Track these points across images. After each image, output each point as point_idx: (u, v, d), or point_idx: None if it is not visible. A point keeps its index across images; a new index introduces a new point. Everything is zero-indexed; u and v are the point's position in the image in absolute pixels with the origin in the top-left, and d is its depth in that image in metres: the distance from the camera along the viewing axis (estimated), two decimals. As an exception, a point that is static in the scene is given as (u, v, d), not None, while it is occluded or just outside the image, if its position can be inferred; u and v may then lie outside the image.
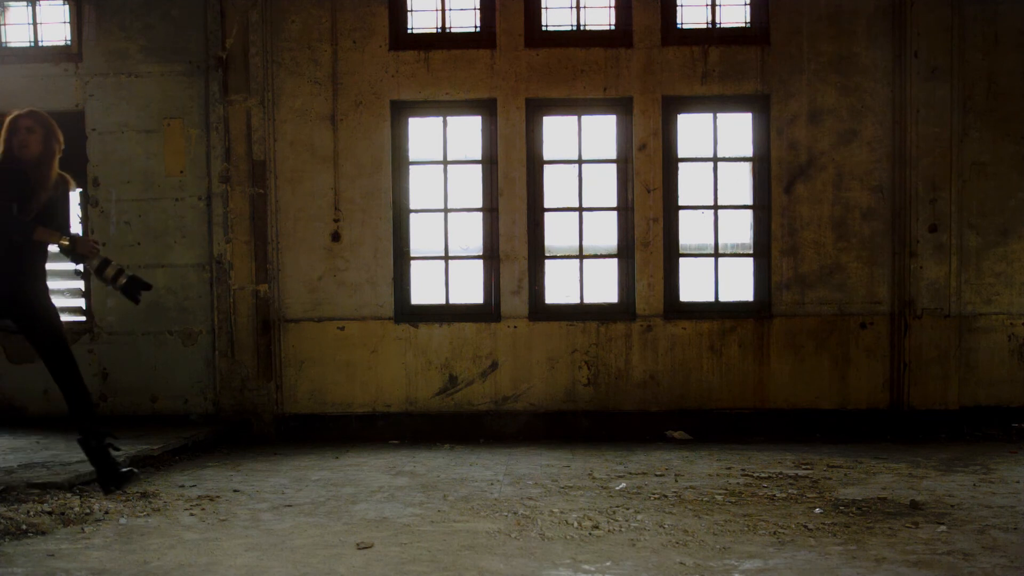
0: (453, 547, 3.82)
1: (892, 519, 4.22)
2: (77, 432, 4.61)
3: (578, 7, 6.84)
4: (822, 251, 6.73)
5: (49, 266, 6.98)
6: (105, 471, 4.60)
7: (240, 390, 6.73)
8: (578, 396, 6.75)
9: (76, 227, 7.06)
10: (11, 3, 7.06)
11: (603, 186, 6.87)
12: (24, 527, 4.13)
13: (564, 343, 6.75)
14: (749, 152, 6.85)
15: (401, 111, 6.85)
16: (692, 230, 6.87)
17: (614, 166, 6.85)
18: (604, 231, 6.87)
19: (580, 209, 6.84)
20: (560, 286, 6.90)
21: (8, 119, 4.53)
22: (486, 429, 6.73)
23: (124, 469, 4.64)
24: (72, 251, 4.56)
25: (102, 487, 4.65)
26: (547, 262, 6.88)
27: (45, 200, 4.51)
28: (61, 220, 4.63)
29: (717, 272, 6.83)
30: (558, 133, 6.89)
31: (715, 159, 6.82)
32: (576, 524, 4.17)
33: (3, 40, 7.07)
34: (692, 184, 6.85)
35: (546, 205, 6.86)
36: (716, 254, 6.84)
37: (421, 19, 6.88)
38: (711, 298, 6.83)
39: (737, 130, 6.89)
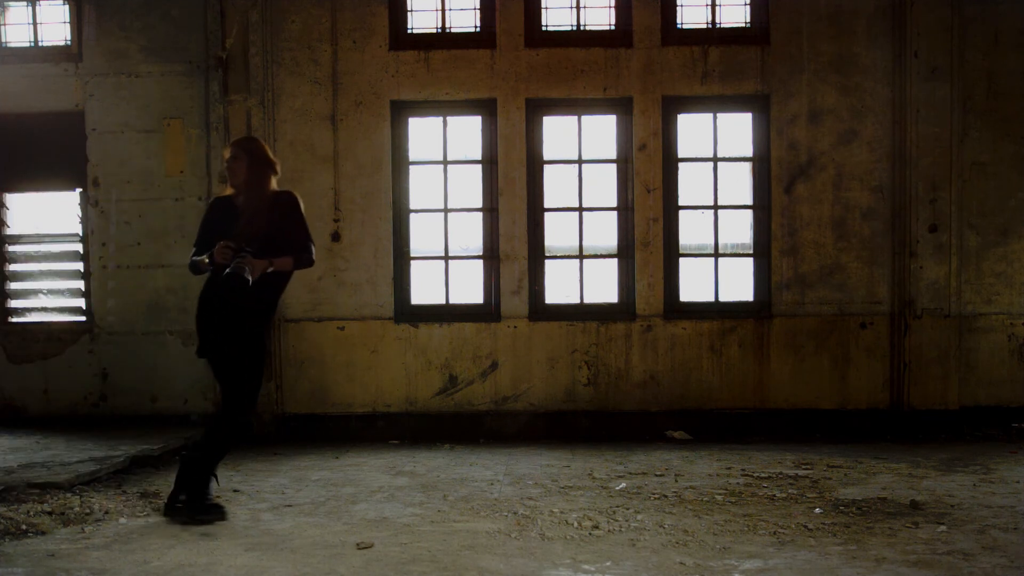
0: (453, 547, 3.82)
1: (892, 519, 4.22)
2: (189, 450, 4.46)
3: (578, 7, 6.83)
4: (822, 251, 6.73)
5: (49, 266, 7.07)
6: (193, 496, 4.35)
7: (240, 390, 6.72)
8: (578, 396, 6.75)
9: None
10: (11, 3, 7.06)
11: (603, 186, 6.87)
12: (24, 527, 4.13)
13: (564, 343, 6.75)
14: (749, 152, 6.84)
15: (401, 111, 6.85)
16: (692, 230, 6.87)
17: (614, 166, 6.85)
18: (604, 231, 6.87)
19: (580, 209, 6.84)
20: (560, 286, 6.90)
21: None
22: (486, 429, 6.73)
23: (211, 502, 4.34)
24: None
25: (170, 507, 4.42)
26: (547, 262, 6.87)
27: (262, 223, 4.38)
28: (277, 241, 4.42)
29: (717, 272, 6.83)
30: (558, 133, 6.89)
31: (715, 159, 6.82)
32: (576, 524, 4.17)
33: (3, 40, 7.07)
34: (692, 184, 6.85)
35: (546, 205, 6.86)
36: (716, 254, 6.84)
37: (421, 19, 6.88)
38: (711, 298, 6.83)
39: (737, 130, 6.89)
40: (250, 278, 4.19)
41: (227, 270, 4.19)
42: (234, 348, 4.34)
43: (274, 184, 4.58)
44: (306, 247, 4.51)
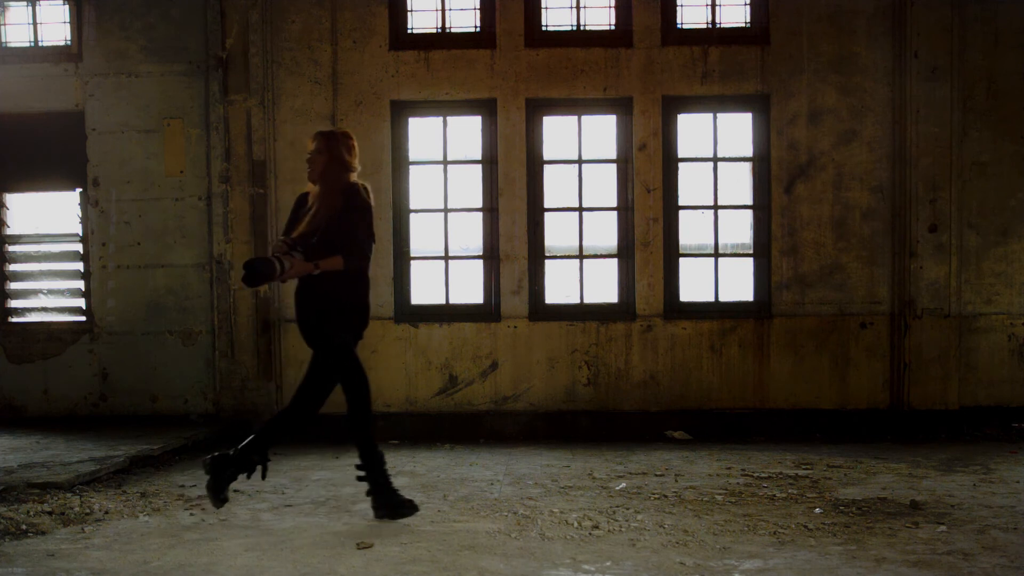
0: (453, 547, 3.82)
1: (892, 519, 4.22)
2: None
3: (578, 7, 6.83)
4: (822, 251, 6.73)
5: (49, 266, 7.06)
6: (383, 499, 4.29)
7: (240, 390, 6.73)
8: (578, 396, 6.75)
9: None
10: (11, 3, 7.06)
11: (603, 186, 6.87)
12: (24, 527, 4.13)
13: (564, 343, 6.75)
14: (749, 152, 6.84)
15: (401, 111, 6.85)
16: (692, 230, 6.87)
17: (614, 166, 6.85)
18: (604, 231, 6.87)
19: (580, 209, 6.84)
20: (560, 286, 6.90)
21: None
22: (486, 429, 6.73)
23: (405, 498, 4.29)
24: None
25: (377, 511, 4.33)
26: (547, 262, 6.87)
27: (321, 220, 4.17)
28: (334, 239, 4.18)
29: (717, 272, 6.83)
30: (558, 133, 6.89)
31: (715, 159, 6.82)
32: (576, 524, 4.17)
33: (3, 40, 7.07)
34: (692, 184, 6.84)
35: (546, 205, 6.86)
36: (716, 254, 6.84)
37: (421, 19, 6.88)
38: (711, 298, 6.83)
39: (737, 130, 6.88)
40: (280, 276, 4.04)
41: (266, 257, 4.05)
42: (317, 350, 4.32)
43: (350, 179, 4.29)
44: (355, 247, 4.16)
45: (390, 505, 4.27)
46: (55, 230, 7.09)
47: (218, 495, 4.17)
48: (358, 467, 4.32)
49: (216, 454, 4.24)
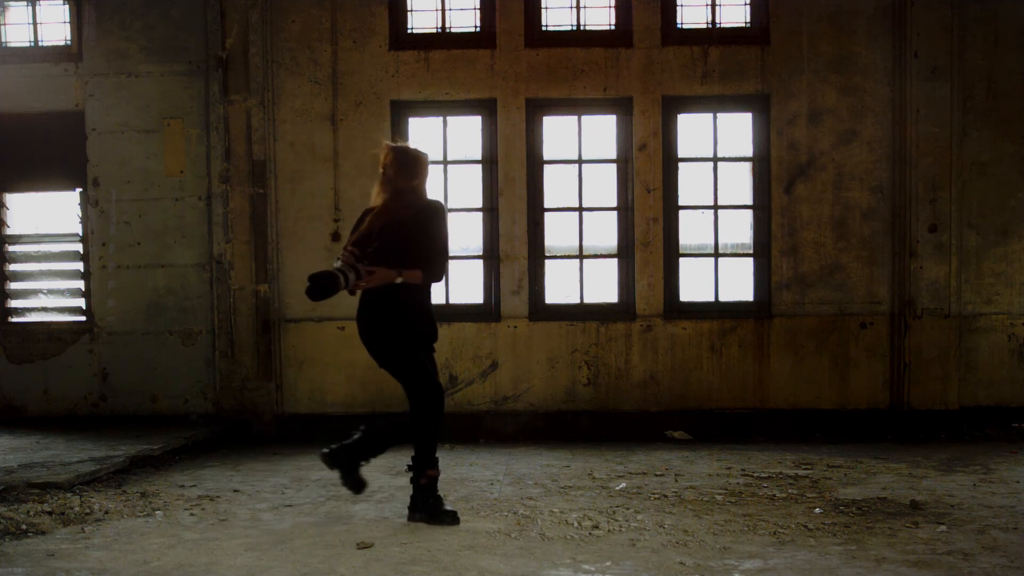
0: (453, 547, 3.82)
1: (892, 519, 4.22)
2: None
3: (578, 7, 6.83)
4: (822, 251, 6.73)
5: (49, 266, 7.07)
6: (423, 506, 4.28)
7: (240, 390, 6.73)
8: (578, 396, 6.75)
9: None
10: (11, 3, 7.06)
11: (603, 186, 6.87)
12: (24, 527, 4.13)
13: (564, 343, 6.75)
14: (749, 152, 6.84)
15: (401, 111, 6.85)
16: (692, 230, 6.87)
17: (614, 166, 6.85)
18: (604, 231, 6.87)
19: (580, 209, 6.84)
20: (560, 286, 6.89)
21: None
22: (486, 429, 6.73)
23: (447, 508, 4.25)
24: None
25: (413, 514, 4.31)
26: (547, 262, 6.87)
27: (390, 231, 4.20)
28: (408, 251, 4.22)
29: (717, 272, 6.83)
30: (558, 133, 6.89)
31: (715, 159, 6.82)
32: (576, 524, 4.17)
33: (3, 40, 7.07)
34: (692, 184, 6.84)
35: (546, 205, 6.86)
36: (716, 254, 6.84)
37: (421, 19, 6.88)
38: (711, 298, 6.83)
39: (737, 130, 6.89)
40: (348, 286, 4.07)
41: (329, 271, 4.08)
42: (381, 356, 4.31)
43: (423, 194, 4.32)
44: (433, 260, 4.23)
45: (430, 511, 4.25)
46: (55, 230, 7.09)
47: (356, 486, 4.34)
48: (409, 467, 4.32)
49: (337, 447, 4.33)
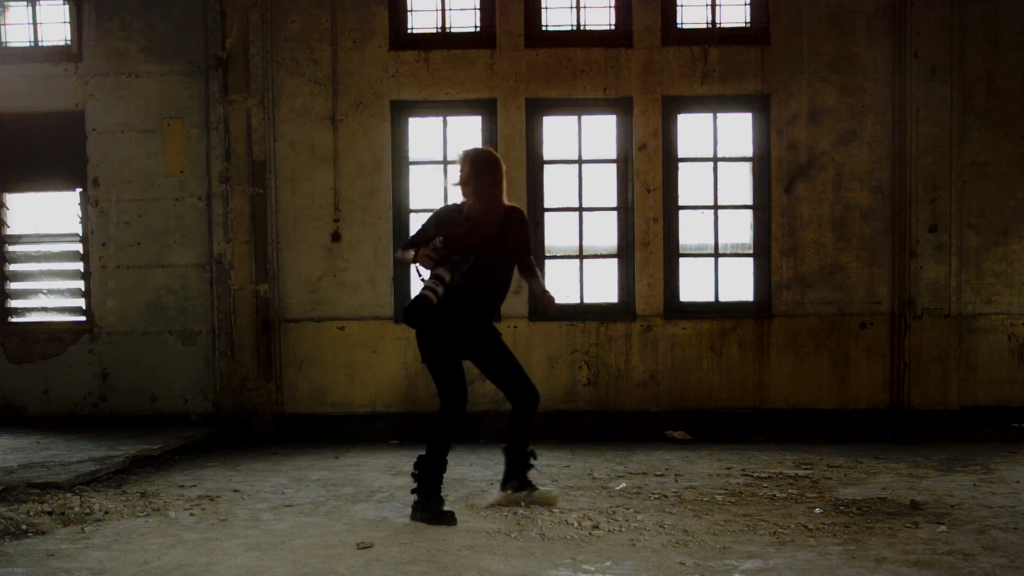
0: (453, 547, 3.82)
1: (892, 519, 4.22)
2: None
3: (578, 7, 6.83)
4: (822, 251, 6.73)
5: (49, 266, 7.07)
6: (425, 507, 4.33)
7: (240, 390, 6.73)
8: (578, 396, 6.75)
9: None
10: (11, 3, 7.06)
11: (603, 186, 6.87)
12: (24, 527, 4.13)
13: (564, 343, 6.74)
14: (749, 152, 6.84)
15: (401, 111, 6.85)
16: (692, 230, 6.86)
17: (614, 166, 6.85)
18: (604, 231, 6.87)
19: (580, 209, 6.83)
20: (560, 286, 6.89)
21: None
22: (486, 429, 6.71)
23: (448, 508, 4.30)
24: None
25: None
26: (547, 262, 6.87)
27: (490, 233, 4.37)
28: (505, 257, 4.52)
29: (717, 272, 6.83)
30: (558, 133, 6.89)
31: (715, 159, 6.82)
32: (576, 524, 4.17)
33: (3, 40, 7.06)
34: (692, 184, 6.84)
35: (546, 205, 6.86)
36: (716, 254, 6.84)
37: (421, 19, 6.88)
38: (711, 298, 6.83)
39: (737, 130, 6.88)
40: (433, 301, 4.21)
41: (417, 295, 4.25)
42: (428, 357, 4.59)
43: (504, 199, 4.47)
44: (535, 267, 4.77)
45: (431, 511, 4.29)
46: (55, 230, 7.09)
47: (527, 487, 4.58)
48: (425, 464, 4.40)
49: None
